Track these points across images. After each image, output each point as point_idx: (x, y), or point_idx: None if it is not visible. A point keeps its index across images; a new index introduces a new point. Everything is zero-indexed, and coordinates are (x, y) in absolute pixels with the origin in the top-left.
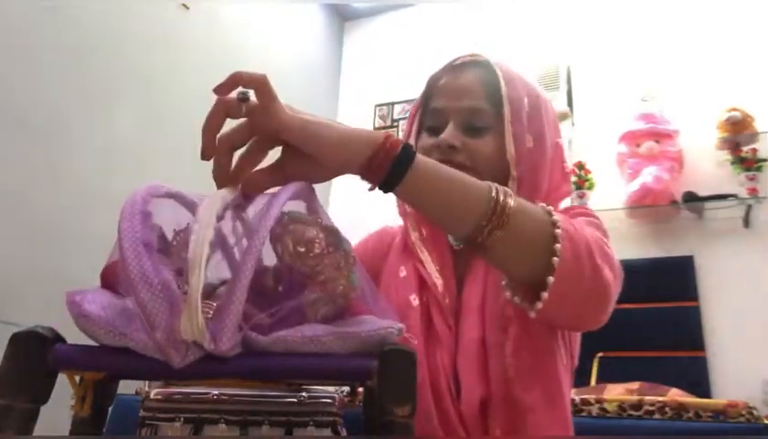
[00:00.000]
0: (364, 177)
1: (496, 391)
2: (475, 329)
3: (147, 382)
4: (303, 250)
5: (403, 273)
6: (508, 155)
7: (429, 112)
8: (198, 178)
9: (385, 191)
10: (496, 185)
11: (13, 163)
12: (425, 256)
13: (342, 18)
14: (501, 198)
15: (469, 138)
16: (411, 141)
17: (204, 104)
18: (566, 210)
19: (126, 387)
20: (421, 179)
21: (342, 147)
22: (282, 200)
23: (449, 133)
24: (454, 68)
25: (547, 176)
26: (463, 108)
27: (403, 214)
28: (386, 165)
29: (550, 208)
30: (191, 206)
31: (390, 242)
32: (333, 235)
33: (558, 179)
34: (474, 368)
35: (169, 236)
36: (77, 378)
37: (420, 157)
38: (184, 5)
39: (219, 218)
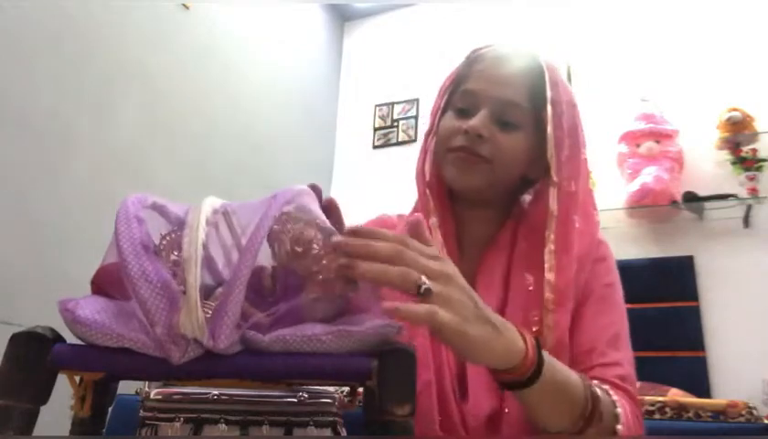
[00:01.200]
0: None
1: (511, 407)
2: None
3: (147, 383)
4: (300, 250)
5: None
6: (550, 158)
7: (460, 91)
8: (198, 178)
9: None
10: (587, 385)
11: (13, 163)
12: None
13: (342, 18)
14: (591, 404)
15: (498, 131)
16: (435, 117)
17: (204, 104)
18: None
19: (126, 387)
20: (540, 390)
21: (486, 353)
22: (281, 202)
23: (480, 121)
24: (497, 56)
25: (581, 189)
26: (499, 98)
27: (424, 209)
28: (520, 379)
29: (617, 406)
30: (174, 220)
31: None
32: (331, 236)
33: (587, 194)
34: (483, 376)
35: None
36: (77, 378)
37: (545, 368)
38: (184, 5)
39: (210, 222)
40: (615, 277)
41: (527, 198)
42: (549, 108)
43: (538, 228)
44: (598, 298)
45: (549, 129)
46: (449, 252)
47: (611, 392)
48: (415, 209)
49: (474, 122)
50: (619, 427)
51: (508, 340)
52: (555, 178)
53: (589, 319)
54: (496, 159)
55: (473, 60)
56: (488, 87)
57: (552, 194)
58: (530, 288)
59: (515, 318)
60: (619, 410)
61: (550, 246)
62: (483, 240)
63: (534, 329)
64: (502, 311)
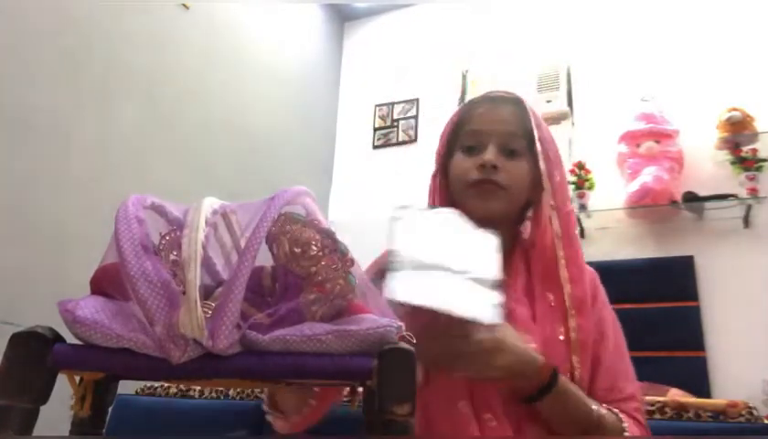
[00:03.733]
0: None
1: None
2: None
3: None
4: (299, 251)
5: None
6: (545, 185)
7: (465, 133)
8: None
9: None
10: (596, 407)
11: (12, 163)
12: None
13: (342, 18)
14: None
15: (506, 160)
16: (441, 159)
17: (204, 104)
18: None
19: (126, 387)
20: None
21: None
22: (280, 203)
23: (492, 154)
24: (492, 99)
25: (570, 209)
26: (502, 132)
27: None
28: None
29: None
30: (174, 220)
31: None
32: (329, 237)
33: (572, 214)
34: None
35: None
36: (77, 378)
37: (559, 383)
38: (184, 5)
39: (209, 222)
40: (610, 309)
41: (527, 225)
42: (538, 143)
43: (548, 250)
44: (613, 342)
45: (541, 160)
46: None
47: (616, 412)
48: None
49: (488, 156)
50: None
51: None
52: (553, 202)
53: (608, 363)
54: (512, 185)
55: (469, 107)
56: (491, 124)
57: (554, 216)
58: (552, 304)
59: (543, 329)
60: (625, 424)
61: (562, 262)
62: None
63: (560, 338)
64: (532, 323)
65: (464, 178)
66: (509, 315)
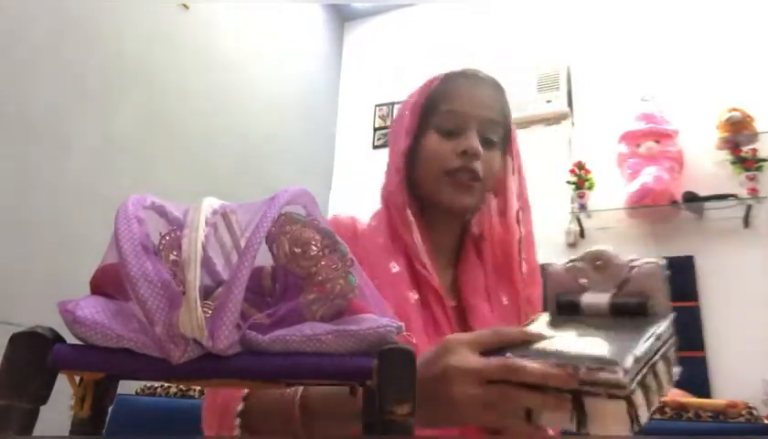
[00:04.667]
0: None
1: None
2: None
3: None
4: (299, 251)
5: (395, 268)
6: (513, 181)
7: (444, 112)
8: (198, 178)
9: None
10: None
11: (12, 163)
12: (426, 259)
13: (342, 18)
14: None
15: (485, 149)
16: (410, 136)
17: (203, 104)
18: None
19: (126, 387)
20: None
21: None
22: (280, 203)
23: (477, 142)
24: (470, 76)
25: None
26: (484, 118)
27: (403, 225)
28: None
29: None
30: (173, 220)
31: (351, 234)
32: (329, 237)
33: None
34: None
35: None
36: (77, 378)
37: None
38: (184, 5)
39: (209, 222)
40: None
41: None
42: (513, 129)
43: (508, 247)
44: None
45: (515, 148)
46: (431, 266)
47: None
48: (378, 220)
49: (473, 143)
50: None
51: None
52: (518, 202)
53: None
54: (487, 177)
55: (446, 82)
56: (473, 107)
57: (521, 216)
58: (505, 302)
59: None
60: None
61: (523, 265)
62: (449, 251)
63: None
64: (491, 318)
65: (440, 164)
66: (471, 311)
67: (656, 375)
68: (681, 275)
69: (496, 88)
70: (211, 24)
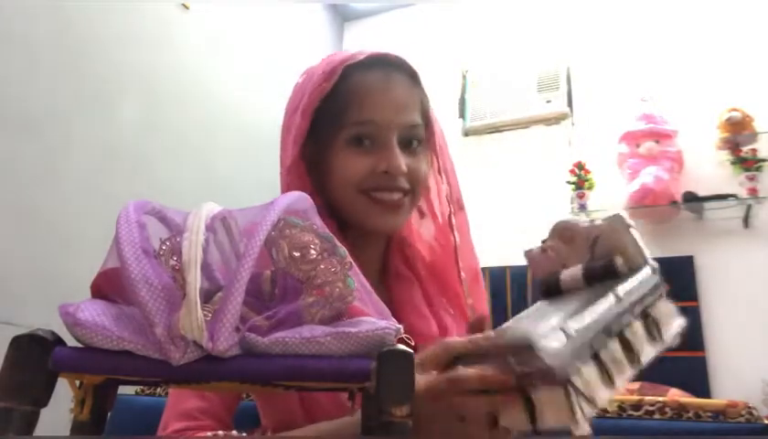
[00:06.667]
0: None
1: None
2: None
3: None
4: (298, 254)
5: None
6: (451, 178)
7: (353, 121)
8: (198, 178)
9: None
10: None
11: (13, 163)
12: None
13: (342, 18)
14: None
15: (408, 158)
16: (298, 142)
17: (204, 104)
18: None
19: (126, 387)
20: None
21: None
22: (280, 208)
23: (399, 158)
24: (378, 69)
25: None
26: (404, 124)
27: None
28: None
29: None
30: (173, 226)
31: None
32: (328, 241)
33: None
34: None
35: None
36: (77, 381)
37: None
38: (184, 5)
39: (209, 227)
40: None
41: None
42: (434, 123)
43: (443, 256)
44: None
45: (441, 146)
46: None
47: None
48: None
49: (396, 161)
50: None
51: None
52: (450, 206)
53: None
54: (415, 186)
55: (347, 76)
56: (390, 113)
57: (454, 221)
58: (452, 312)
59: None
60: None
61: (462, 274)
62: (374, 263)
63: None
64: (435, 333)
65: (357, 184)
66: (411, 332)
67: (625, 342)
68: (681, 275)
69: (411, 77)
70: (212, 24)
